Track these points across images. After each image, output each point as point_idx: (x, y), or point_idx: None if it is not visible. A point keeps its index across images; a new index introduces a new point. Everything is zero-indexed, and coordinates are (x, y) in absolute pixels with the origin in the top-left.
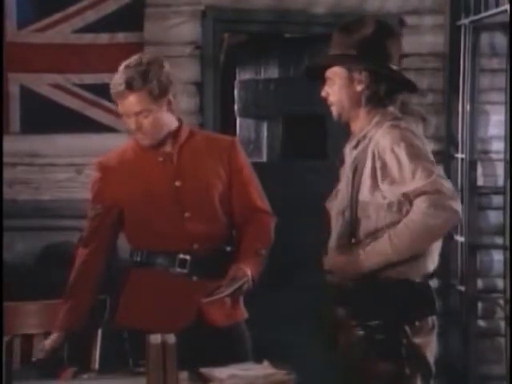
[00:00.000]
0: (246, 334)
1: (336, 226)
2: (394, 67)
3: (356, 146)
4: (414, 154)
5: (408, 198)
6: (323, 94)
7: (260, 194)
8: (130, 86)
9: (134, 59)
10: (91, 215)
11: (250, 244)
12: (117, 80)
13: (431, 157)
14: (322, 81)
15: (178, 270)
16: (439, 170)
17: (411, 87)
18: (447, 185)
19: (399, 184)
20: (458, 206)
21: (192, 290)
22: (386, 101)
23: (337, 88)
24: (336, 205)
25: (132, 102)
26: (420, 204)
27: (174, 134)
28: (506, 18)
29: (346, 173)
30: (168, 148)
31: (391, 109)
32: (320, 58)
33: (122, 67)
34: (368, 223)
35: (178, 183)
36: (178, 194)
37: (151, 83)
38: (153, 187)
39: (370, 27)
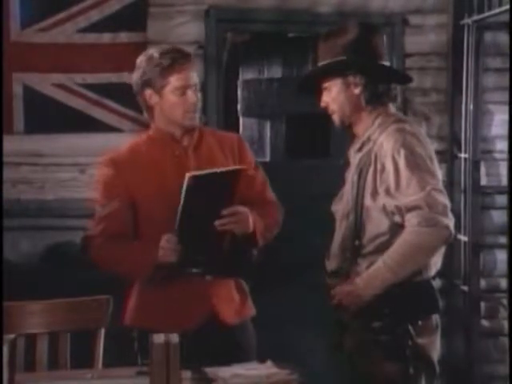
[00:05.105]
0: (252, 330)
1: (340, 229)
2: (385, 63)
3: (360, 149)
4: (413, 163)
5: (400, 212)
6: (322, 104)
7: (267, 187)
8: (187, 56)
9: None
10: (106, 212)
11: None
12: (168, 54)
13: (432, 165)
14: (318, 93)
15: (194, 270)
16: (437, 181)
17: (406, 79)
18: (440, 199)
19: (393, 196)
20: (449, 221)
21: (205, 289)
22: (384, 98)
23: (335, 95)
24: (341, 208)
25: (190, 74)
26: (411, 220)
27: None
28: (508, 17)
29: (351, 176)
30: (184, 142)
31: (392, 109)
32: (311, 71)
33: (156, 51)
34: (371, 228)
35: None
36: None
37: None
38: (168, 182)
39: (353, 30)
